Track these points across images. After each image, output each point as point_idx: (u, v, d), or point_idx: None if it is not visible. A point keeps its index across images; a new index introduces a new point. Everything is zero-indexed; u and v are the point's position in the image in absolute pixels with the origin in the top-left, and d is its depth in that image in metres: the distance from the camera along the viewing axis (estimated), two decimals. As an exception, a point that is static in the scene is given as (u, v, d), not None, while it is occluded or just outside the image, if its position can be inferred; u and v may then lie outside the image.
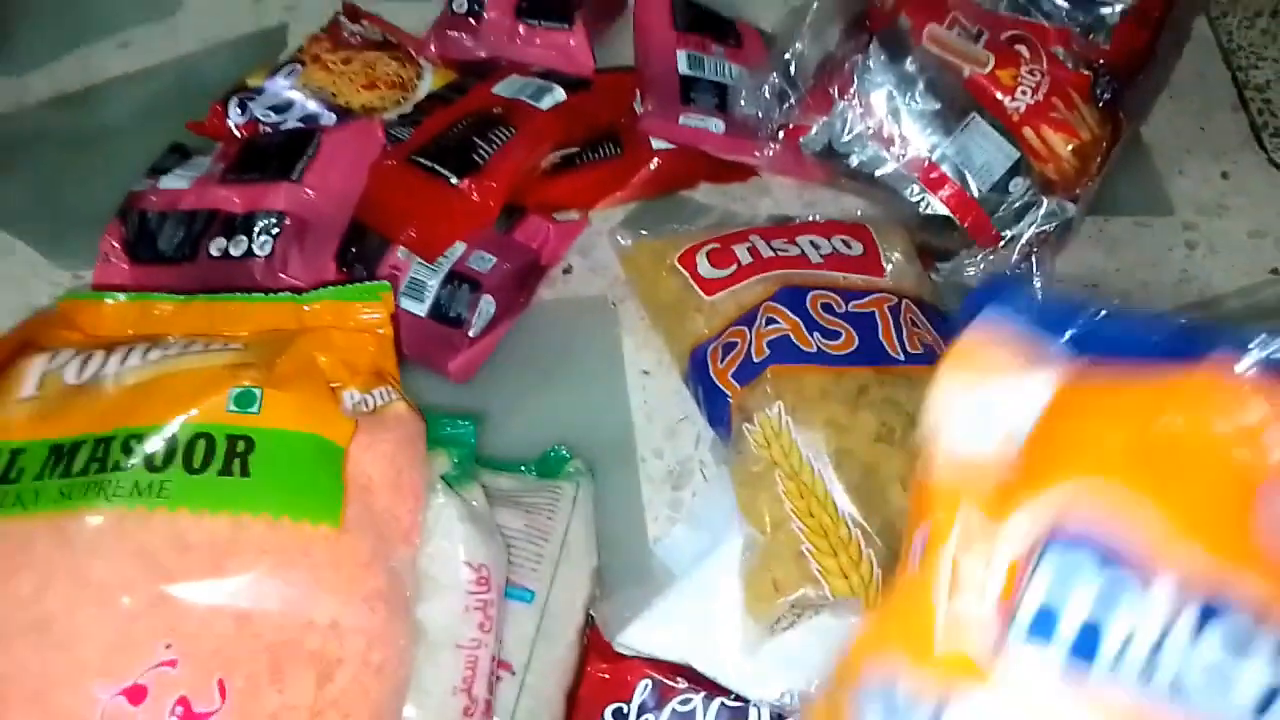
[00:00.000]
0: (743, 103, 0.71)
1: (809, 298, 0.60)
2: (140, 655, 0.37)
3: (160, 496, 0.40)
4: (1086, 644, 0.34)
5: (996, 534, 0.37)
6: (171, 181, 0.70)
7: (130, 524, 0.39)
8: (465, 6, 0.78)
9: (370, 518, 0.43)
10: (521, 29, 0.78)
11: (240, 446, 0.41)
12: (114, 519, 0.39)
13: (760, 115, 0.71)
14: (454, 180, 0.66)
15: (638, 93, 0.74)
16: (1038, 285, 0.66)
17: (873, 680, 0.38)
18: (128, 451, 0.41)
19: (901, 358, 0.58)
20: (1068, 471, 0.36)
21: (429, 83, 0.78)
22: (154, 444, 0.41)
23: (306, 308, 0.48)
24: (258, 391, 0.42)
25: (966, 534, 0.38)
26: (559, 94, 0.70)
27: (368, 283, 0.49)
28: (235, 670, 0.38)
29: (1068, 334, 0.39)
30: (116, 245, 0.68)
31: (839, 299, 0.60)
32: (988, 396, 0.39)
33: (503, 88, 0.71)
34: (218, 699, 0.37)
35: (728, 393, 0.58)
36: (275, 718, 0.38)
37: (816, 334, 0.58)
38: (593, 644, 0.55)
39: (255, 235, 0.65)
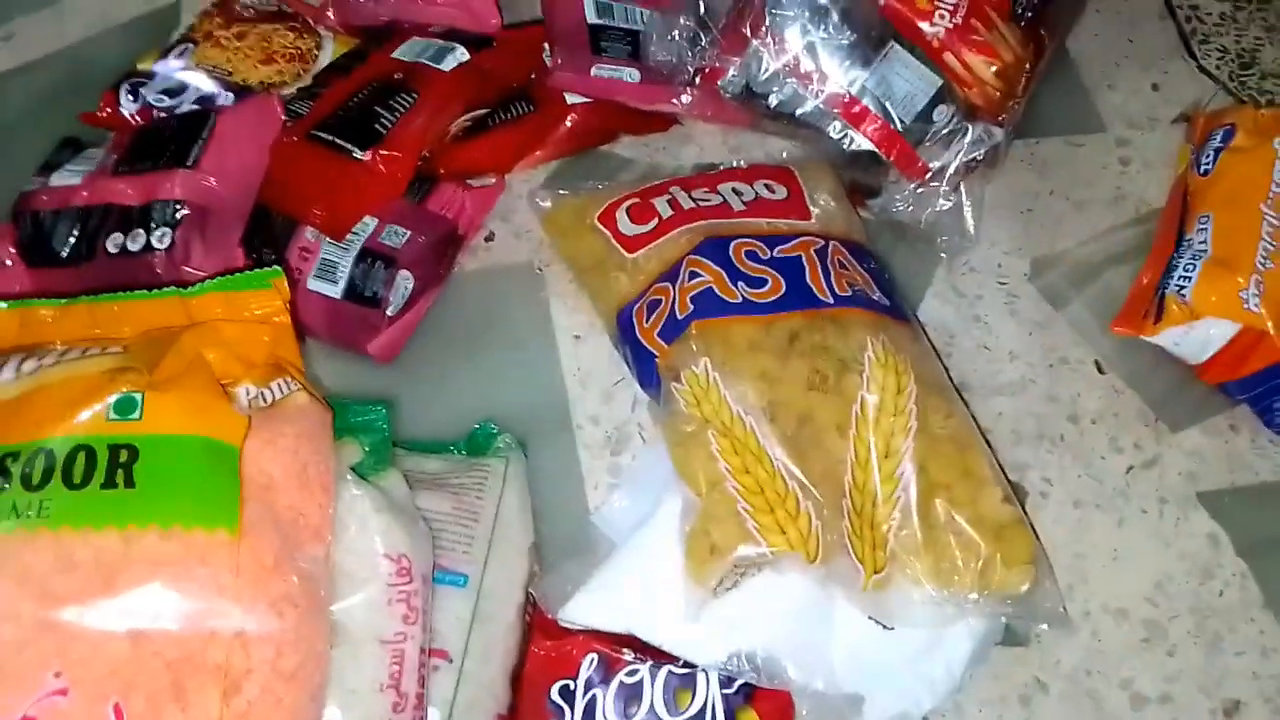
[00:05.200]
0: (654, 48, 0.68)
1: (732, 247, 0.58)
2: (27, 687, 0.35)
3: (40, 517, 0.38)
4: None
5: None
6: (63, 178, 0.66)
7: (11, 548, 0.37)
8: (362, -32, 0.75)
9: (273, 517, 0.41)
10: (422, -13, 0.74)
11: (123, 456, 0.39)
12: (-8, 545, 0.37)
13: (675, 60, 0.68)
14: (357, 153, 0.63)
15: (546, 46, 0.71)
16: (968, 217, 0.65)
17: None
18: (3, 472, 0.38)
19: (830, 300, 0.56)
20: None
21: (329, 52, 0.74)
22: (31, 462, 0.38)
23: (194, 301, 0.46)
24: (138, 396, 0.40)
25: None
26: (461, 54, 0.67)
27: (259, 269, 0.47)
28: (132, 693, 0.36)
29: None
30: (11, 250, 0.65)
31: (763, 246, 0.58)
32: None
33: (403, 51, 0.68)
34: (114, 725, 0.35)
35: (655, 352, 0.57)
36: (180, 737, 0.36)
37: (741, 283, 0.56)
38: (536, 622, 0.53)
39: (153, 228, 0.62)
